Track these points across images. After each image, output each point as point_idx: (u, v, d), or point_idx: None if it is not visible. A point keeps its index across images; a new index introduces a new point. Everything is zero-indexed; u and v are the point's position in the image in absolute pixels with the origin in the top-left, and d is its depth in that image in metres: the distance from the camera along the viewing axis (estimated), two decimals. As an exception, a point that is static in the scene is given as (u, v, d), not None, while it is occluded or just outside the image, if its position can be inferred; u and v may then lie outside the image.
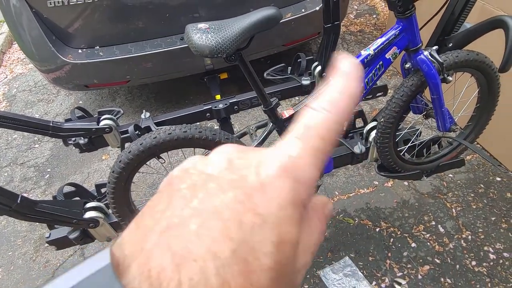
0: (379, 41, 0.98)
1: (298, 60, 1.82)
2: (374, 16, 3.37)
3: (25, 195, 2.21)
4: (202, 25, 0.81)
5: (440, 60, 1.00)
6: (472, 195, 1.86)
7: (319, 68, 1.70)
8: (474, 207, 1.81)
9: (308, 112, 0.21)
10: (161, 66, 2.10)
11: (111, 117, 1.57)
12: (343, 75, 0.22)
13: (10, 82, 3.16)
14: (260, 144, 1.01)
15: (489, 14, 1.76)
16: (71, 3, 1.84)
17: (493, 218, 1.75)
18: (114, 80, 2.14)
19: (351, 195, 1.94)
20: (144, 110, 1.60)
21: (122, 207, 1.08)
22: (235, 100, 1.63)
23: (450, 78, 1.03)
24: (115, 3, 1.86)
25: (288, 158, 0.20)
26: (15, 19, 1.94)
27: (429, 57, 1.00)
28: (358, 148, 1.28)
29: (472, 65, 1.06)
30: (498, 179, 1.92)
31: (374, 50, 0.98)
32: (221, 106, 1.58)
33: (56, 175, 2.28)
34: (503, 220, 1.74)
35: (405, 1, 0.90)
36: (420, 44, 1.00)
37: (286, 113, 1.04)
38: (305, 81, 1.70)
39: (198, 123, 1.57)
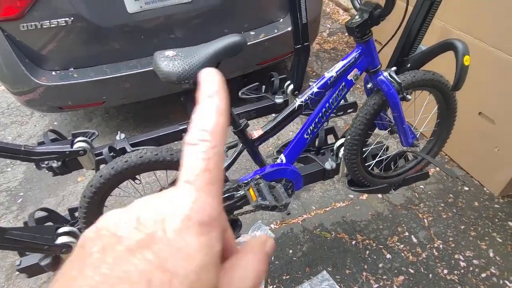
0: (341, 63, 1.04)
1: (272, 79, 1.88)
2: (347, 34, 3.51)
3: (-5, 221, 2.13)
4: (169, 53, 0.84)
5: (399, 81, 1.06)
6: (442, 205, 1.94)
7: (291, 86, 1.76)
8: (445, 216, 1.88)
9: (187, 149, 0.22)
10: (137, 87, 2.12)
11: (85, 140, 1.56)
12: (209, 93, 0.22)
13: (-18, 104, 3.08)
14: (232, 163, 1.04)
15: (448, 34, 1.88)
16: (44, 27, 1.84)
17: (462, 227, 1.82)
18: (89, 101, 2.14)
19: (327, 209, 1.98)
20: (119, 132, 1.60)
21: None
22: (210, 119, 1.66)
23: (409, 97, 1.10)
24: (89, 25, 1.88)
25: (187, 206, 0.20)
26: (-14, 43, 1.92)
27: (389, 77, 1.07)
28: (329, 164, 1.33)
29: (429, 84, 1.14)
30: (466, 188, 2.01)
31: (336, 72, 1.03)
32: (196, 126, 1.61)
33: (30, 199, 2.22)
34: (472, 228, 1.81)
35: (361, 27, 0.96)
36: (379, 66, 1.06)
37: (255, 134, 1.07)
38: (279, 100, 1.75)
39: (170, 144, 1.58)
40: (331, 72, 1.04)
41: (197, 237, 0.20)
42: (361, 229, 1.86)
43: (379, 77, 1.06)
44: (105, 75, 2.00)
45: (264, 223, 1.92)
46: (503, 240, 1.75)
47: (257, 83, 1.93)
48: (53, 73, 2.02)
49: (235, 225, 1.25)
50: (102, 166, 1.29)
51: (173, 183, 1.12)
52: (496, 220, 1.84)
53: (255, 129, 1.09)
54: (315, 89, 1.04)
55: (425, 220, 1.87)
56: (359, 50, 1.03)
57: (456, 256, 1.70)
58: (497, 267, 1.65)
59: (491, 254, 1.70)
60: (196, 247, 0.20)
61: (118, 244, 0.20)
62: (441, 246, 1.75)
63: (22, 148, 1.40)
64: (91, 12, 1.84)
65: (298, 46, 1.71)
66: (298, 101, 1.05)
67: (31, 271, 1.21)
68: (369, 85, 1.11)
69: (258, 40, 2.17)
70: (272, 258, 1.77)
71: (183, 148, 0.22)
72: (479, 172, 2.02)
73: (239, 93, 1.89)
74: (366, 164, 1.31)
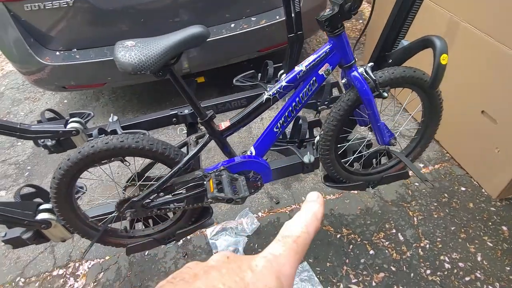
0: (311, 58, 1.01)
1: (267, 67, 1.85)
2: (361, 21, 3.38)
3: (3, 192, 2.26)
4: (129, 43, 0.85)
5: (374, 77, 1.03)
6: (435, 204, 1.89)
7: (284, 76, 1.73)
8: (436, 216, 1.83)
9: (287, 225, 0.31)
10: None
11: (79, 120, 1.61)
12: (312, 203, 0.33)
13: (0, 79, 3.23)
14: (197, 153, 1.05)
15: (455, 25, 1.78)
16: (47, 7, 1.89)
17: (452, 228, 1.77)
18: (91, 82, 2.19)
19: (317, 201, 1.97)
20: (112, 114, 1.64)
21: (67, 211, 1.13)
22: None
23: (385, 94, 1.06)
24: (90, 7, 1.91)
25: (273, 256, 0.28)
26: (-6, 22, 1.99)
27: (364, 73, 1.03)
28: (307, 158, 1.31)
29: (409, 81, 1.09)
30: (463, 189, 1.94)
31: (306, 66, 1.01)
32: (186, 111, 1.63)
33: (36, 173, 2.34)
34: (462, 230, 1.76)
35: (331, 21, 0.93)
36: (353, 61, 1.02)
37: (222, 125, 1.07)
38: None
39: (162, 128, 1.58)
40: (301, 66, 1.02)
41: (273, 278, 0.27)
42: (348, 223, 1.85)
43: (353, 73, 1.03)
44: (105, 57, 2.04)
45: (251, 211, 1.95)
46: (494, 245, 1.69)
47: (252, 71, 1.91)
48: (57, 53, 2.08)
49: (206, 213, 1.27)
50: (69, 151, 1.33)
51: (141, 172, 1.15)
52: (490, 223, 1.78)
53: (223, 121, 1.09)
54: (284, 83, 1.03)
55: (415, 219, 1.84)
56: (331, 45, 0.99)
57: (441, 258, 1.67)
58: (483, 271, 1.60)
59: (479, 258, 1.65)
60: (273, 283, 0.26)
61: (211, 270, 0.27)
62: (427, 246, 1.72)
63: (18, 126, 1.47)
64: (91, -7, 1.87)
65: (291, 35, 1.68)
66: (266, 95, 1.04)
67: (15, 243, 1.29)
68: (343, 80, 1.08)
69: (259, 26, 2.13)
70: (256, 245, 1.80)
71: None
72: (479, 173, 1.95)
73: (234, 80, 1.88)
74: (344, 160, 1.29)
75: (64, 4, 1.88)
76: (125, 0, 1.93)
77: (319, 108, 1.71)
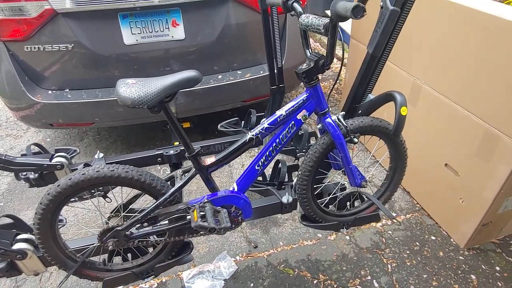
0: (290, 104, 1.15)
1: (250, 116, 2.00)
2: (338, 81, 3.69)
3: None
4: (130, 81, 0.96)
5: (345, 124, 1.16)
6: (408, 252, 1.96)
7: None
8: (409, 264, 1.89)
9: None
10: (125, 112, 2.24)
11: (65, 155, 1.65)
12: None
13: (-17, 116, 3.24)
14: (183, 185, 1.12)
15: (418, 88, 2.01)
16: (46, 50, 2.01)
17: (425, 276, 1.83)
18: (79, 121, 2.26)
19: (294, 246, 2.01)
20: (98, 151, 1.69)
21: (48, 239, 1.13)
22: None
23: (356, 140, 1.19)
24: (87, 52, 2.04)
25: None
26: (-8, 59, 2.08)
27: (337, 121, 1.17)
28: (285, 198, 1.39)
29: (376, 130, 1.23)
30: (433, 238, 2.03)
31: (286, 111, 1.14)
32: (171, 152, 1.70)
33: (8, 210, 2.28)
34: (434, 278, 1.82)
35: (307, 74, 1.08)
36: (327, 109, 1.17)
37: (208, 161, 1.16)
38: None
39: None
40: (282, 111, 1.15)
41: None
42: (325, 269, 1.88)
43: (326, 120, 1.16)
44: (96, 98, 2.14)
45: (230, 254, 1.95)
46: (463, 293, 1.75)
47: (236, 118, 2.05)
48: (49, 92, 2.17)
49: (187, 248, 1.29)
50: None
51: (126, 203, 1.19)
52: (459, 272, 1.85)
53: (209, 157, 1.18)
54: (265, 125, 1.14)
55: (389, 266, 1.89)
56: (307, 94, 1.14)
57: (414, 305, 1.70)
58: (454, 319, 1.64)
59: (450, 306, 1.69)
60: None
61: None
62: (401, 293, 1.75)
63: (3, 157, 1.49)
64: (91, 40, 2.02)
65: (273, 87, 1.85)
66: (249, 135, 1.14)
67: (-14, 272, 1.25)
68: (319, 126, 1.21)
69: (244, 79, 2.32)
70: (233, 290, 1.78)
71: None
72: (447, 223, 2.06)
73: (219, 126, 2.01)
74: (319, 201, 1.37)
75: (63, 48, 2.02)
76: (121, 48, 2.09)
77: (298, 155, 1.84)
